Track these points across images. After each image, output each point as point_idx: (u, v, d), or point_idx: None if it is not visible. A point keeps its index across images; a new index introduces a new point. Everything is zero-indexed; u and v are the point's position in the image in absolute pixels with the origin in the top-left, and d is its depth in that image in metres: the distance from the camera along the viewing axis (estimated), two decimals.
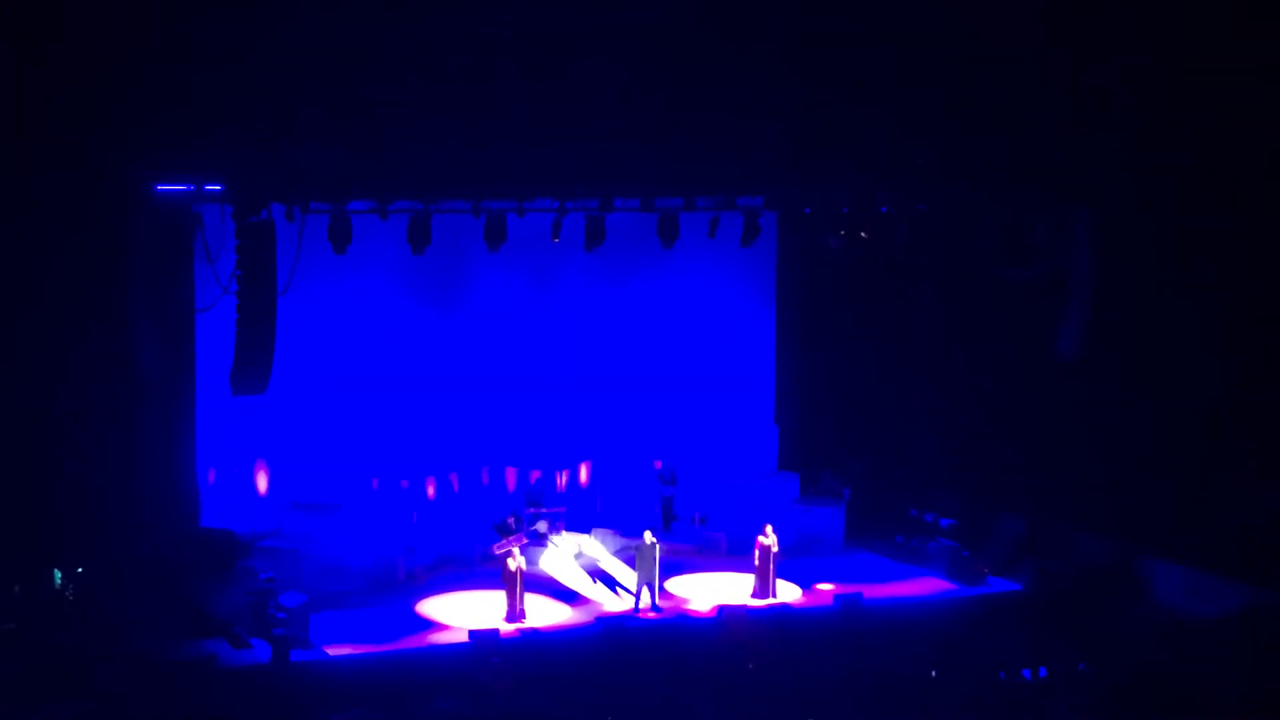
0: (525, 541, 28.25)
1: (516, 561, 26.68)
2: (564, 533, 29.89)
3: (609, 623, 26.00)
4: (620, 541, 29.73)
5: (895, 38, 28.36)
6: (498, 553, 27.57)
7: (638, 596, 27.39)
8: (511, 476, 31.32)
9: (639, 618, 26.99)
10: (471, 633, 25.38)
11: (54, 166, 24.83)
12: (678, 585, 28.93)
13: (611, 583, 28.50)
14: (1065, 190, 29.40)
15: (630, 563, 28.12)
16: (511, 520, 30.02)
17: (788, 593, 28.55)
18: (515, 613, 26.60)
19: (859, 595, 27.51)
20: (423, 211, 26.78)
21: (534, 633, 26.19)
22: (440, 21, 26.42)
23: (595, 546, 29.72)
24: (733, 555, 30.30)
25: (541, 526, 29.65)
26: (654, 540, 27.38)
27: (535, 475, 31.21)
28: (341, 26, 25.95)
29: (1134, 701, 23.25)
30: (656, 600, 27.39)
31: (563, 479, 31.19)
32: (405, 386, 30.34)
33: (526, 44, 26.87)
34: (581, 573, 29.05)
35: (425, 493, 30.31)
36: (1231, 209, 28.10)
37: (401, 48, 26.25)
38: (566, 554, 29.45)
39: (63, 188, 24.95)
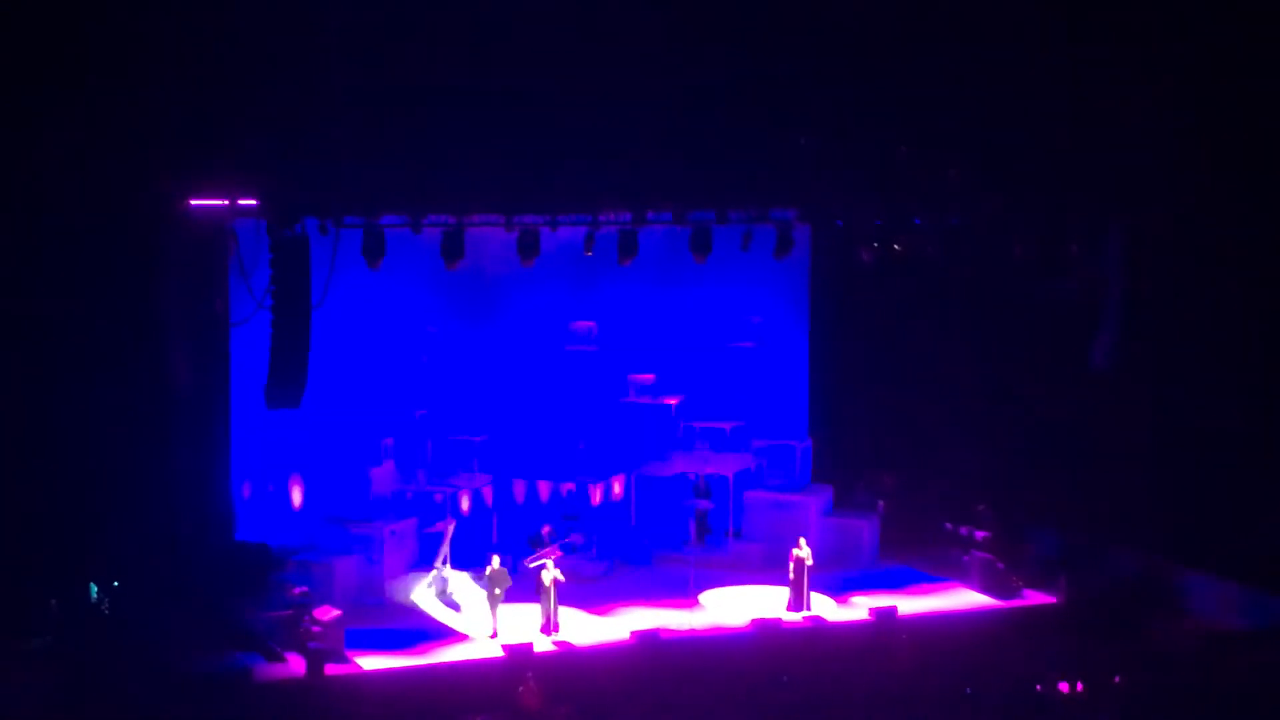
0: (559, 554, 28.21)
1: (550, 574, 26.68)
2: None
3: (644, 636, 25.98)
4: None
5: (928, 52, 28.35)
6: (530, 566, 27.55)
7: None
8: (545, 489, 31.33)
9: (683, 634, 26.93)
10: (506, 647, 25.43)
11: (89, 183, 24.96)
12: (713, 599, 28.91)
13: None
14: (1098, 203, 29.33)
15: None
16: (546, 532, 30.01)
17: (822, 605, 28.50)
18: (550, 625, 26.61)
19: (894, 609, 27.47)
20: (456, 225, 26.84)
21: (568, 646, 26.22)
22: (471, 39, 26.52)
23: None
24: (767, 568, 30.25)
25: (576, 539, 29.64)
26: (499, 567, 27.02)
27: (567, 488, 31.20)
28: (375, 44, 26.09)
29: (1169, 714, 23.16)
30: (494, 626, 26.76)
31: (597, 492, 31.16)
32: (439, 400, 30.37)
33: (558, 60, 26.94)
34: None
35: (459, 506, 30.32)
36: (1267, 222, 28.00)
37: (433, 64, 26.36)
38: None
39: (98, 204, 25.11)
